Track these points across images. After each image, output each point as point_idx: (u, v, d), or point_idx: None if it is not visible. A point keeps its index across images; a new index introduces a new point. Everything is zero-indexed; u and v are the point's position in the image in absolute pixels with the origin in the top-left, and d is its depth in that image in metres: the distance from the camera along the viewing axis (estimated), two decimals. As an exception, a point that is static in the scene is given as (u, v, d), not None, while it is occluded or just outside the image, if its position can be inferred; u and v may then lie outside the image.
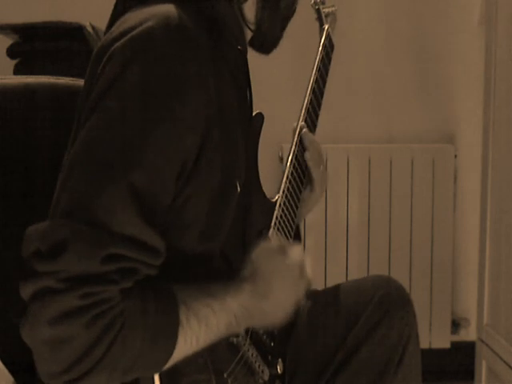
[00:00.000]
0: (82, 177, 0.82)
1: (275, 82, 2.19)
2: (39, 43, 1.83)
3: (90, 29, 1.78)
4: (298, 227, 1.24)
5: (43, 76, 1.20)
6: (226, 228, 0.94)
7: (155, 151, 0.82)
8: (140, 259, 0.81)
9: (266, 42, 1.05)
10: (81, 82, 1.19)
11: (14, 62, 1.87)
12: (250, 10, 1.01)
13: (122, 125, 0.82)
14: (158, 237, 0.83)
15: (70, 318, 0.77)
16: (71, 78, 1.20)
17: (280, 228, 1.13)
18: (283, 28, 1.06)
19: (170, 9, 0.87)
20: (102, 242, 0.79)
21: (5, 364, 0.98)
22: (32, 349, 0.80)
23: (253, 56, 1.06)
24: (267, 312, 0.97)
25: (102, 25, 1.01)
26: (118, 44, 0.86)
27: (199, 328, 0.86)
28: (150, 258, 0.83)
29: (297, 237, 1.22)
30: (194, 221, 0.90)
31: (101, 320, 0.78)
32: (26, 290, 0.79)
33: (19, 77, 1.21)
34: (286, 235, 1.15)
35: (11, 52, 1.86)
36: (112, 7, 1.00)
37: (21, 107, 1.16)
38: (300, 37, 1.74)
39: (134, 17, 0.88)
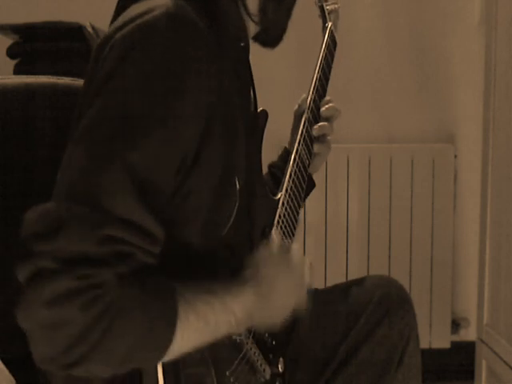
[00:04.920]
0: (81, 159, 0.81)
1: (278, 79, 2.20)
2: (39, 43, 1.83)
3: (89, 29, 1.78)
4: (310, 176, 1.30)
5: (43, 76, 1.20)
6: (227, 224, 0.94)
7: (155, 137, 0.82)
8: (137, 243, 0.80)
9: (272, 34, 1.05)
10: (81, 82, 1.19)
11: (14, 62, 1.87)
12: (253, 3, 1.01)
13: (122, 110, 0.82)
14: (157, 224, 0.82)
15: (66, 299, 0.76)
16: (71, 78, 1.20)
17: (283, 226, 1.14)
18: (288, 18, 1.06)
19: (173, 1, 0.87)
20: (100, 223, 0.78)
21: (5, 364, 0.98)
22: (27, 332, 0.78)
23: (255, 53, 1.06)
24: (268, 314, 0.97)
25: (102, 25, 1.01)
26: (120, 33, 0.86)
27: (197, 323, 0.85)
28: (147, 244, 0.82)
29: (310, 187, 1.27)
30: (196, 215, 0.90)
31: (96, 303, 0.76)
32: (23, 272, 0.77)
33: (19, 77, 1.21)
34: (288, 233, 1.16)
35: (11, 52, 1.86)
36: (112, 7, 1.00)
37: (21, 107, 1.16)
38: (303, 34, 1.74)
39: (138, 8, 0.89)
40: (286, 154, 1.32)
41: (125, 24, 0.87)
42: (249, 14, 1.00)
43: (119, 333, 0.78)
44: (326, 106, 1.28)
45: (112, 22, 0.98)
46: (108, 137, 0.81)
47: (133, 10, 0.89)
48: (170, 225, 0.85)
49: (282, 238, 1.13)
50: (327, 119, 1.28)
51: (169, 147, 0.83)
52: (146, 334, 0.80)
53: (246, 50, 1.03)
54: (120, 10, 0.95)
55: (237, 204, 0.95)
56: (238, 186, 0.94)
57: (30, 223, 0.79)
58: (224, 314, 0.88)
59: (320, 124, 1.27)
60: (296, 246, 1.03)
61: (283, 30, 1.07)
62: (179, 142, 0.84)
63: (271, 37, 1.07)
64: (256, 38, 1.08)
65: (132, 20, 0.86)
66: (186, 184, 0.87)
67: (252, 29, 1.05)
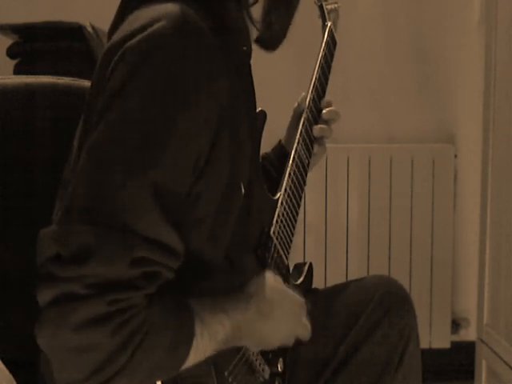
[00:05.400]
0: (100, 177, 0.80)
1: (277, 79, 2.20)
2: (39, 43, 1.83)
3: (89, 29, 1.78)
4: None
5: (43, 76, 1.20)
6: (231, 228, 0.94)
7: (173, 150, 0.82)
8: (163, 262, 0.80)
9: (273, 37, 1.06)
10: (81, 82, 1.19)
11: (14, 61, 1.87)
12: (256, 12, 1.01)
13: (138, 124, 0.82)
14: (179, 239, 0.82)
15: (97, 324, 0.75)
16: (71, 78, 1.20)
17: (282, 225, 1.14)
18: (289, 23, 1.06)
19: (181, 8, 0.86)
20: (128, 246, 0.77)
21: (5, 364, 0.98)
22: (50, 355, 0.78)
23: (255, 54, 1.06)
24: (264, 334, 0.98)
25: (101, 25, 1.01)
26: (130, 43, 0.85)
27: (209, 342, 0.87)
28: (172, 262, 0.82)
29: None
30: (203, 220, 0.89)
31: (126, 327, 0.77)
32: (45, 295, 0.76)
33: (19, 77, 1.21)
34: (287, 233, 1.16)
35: (11, 52, 1.86)
36: (112, 7, 1.00)
37: (21, 107, 1.16)
38: (302, 34, 1.73)
39: (145, 15, 0.88)
40: (280, 147, 1.33)
41: (133, 33, 0.86)
42: (253, 23, 1.00)
43: (144, 354, 0.79)
44: (328, 109, 1.28)
45: (114, 23, 0.97)
46: (127, 155, 0.80)
47: (141, 17, 0.88)
48: (179, 230, 0.84)
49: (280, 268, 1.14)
50: (327, 122, 1.29)
51: (185, 157, 0.83)
52: (165, 354, 0.82)
53: (249, 54, 1.03)
54: (123, 12, 0.95)
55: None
56: (243, 189, 0.94)
57: (49, 245, 0.78)
58: (231, 332, 0.89)
59: (321, 126, 1.27)
60: (299, 293, 1.04)
61: (284, 34, 1.07)
62: (194, 150, 0.84)
63: (272, 39, 1.07)
64: (257, 41, 1.08)
65: (141, 29, 0.85)
66: (196, 188, 0.86)
67: (254, 33, 1.05)
